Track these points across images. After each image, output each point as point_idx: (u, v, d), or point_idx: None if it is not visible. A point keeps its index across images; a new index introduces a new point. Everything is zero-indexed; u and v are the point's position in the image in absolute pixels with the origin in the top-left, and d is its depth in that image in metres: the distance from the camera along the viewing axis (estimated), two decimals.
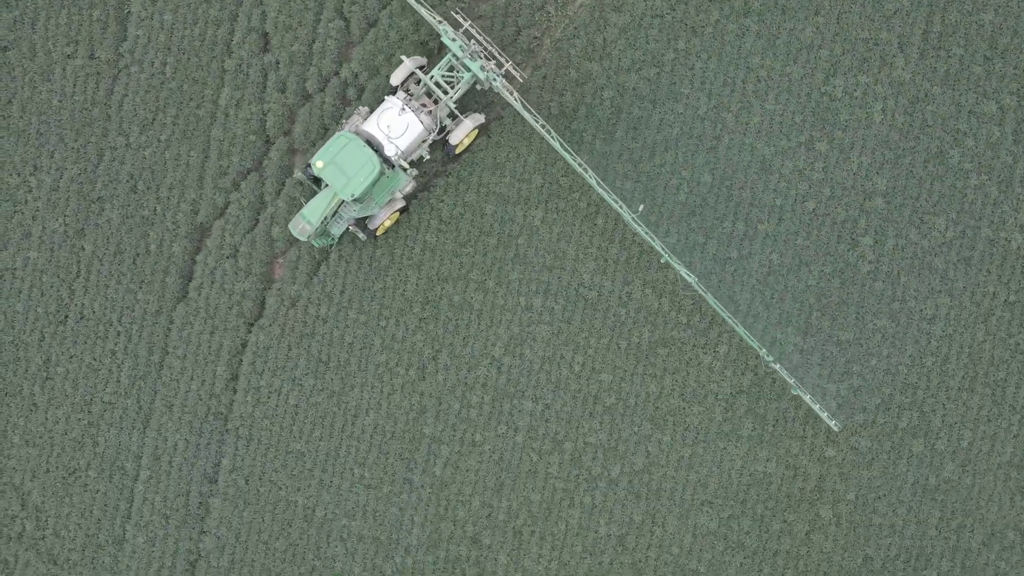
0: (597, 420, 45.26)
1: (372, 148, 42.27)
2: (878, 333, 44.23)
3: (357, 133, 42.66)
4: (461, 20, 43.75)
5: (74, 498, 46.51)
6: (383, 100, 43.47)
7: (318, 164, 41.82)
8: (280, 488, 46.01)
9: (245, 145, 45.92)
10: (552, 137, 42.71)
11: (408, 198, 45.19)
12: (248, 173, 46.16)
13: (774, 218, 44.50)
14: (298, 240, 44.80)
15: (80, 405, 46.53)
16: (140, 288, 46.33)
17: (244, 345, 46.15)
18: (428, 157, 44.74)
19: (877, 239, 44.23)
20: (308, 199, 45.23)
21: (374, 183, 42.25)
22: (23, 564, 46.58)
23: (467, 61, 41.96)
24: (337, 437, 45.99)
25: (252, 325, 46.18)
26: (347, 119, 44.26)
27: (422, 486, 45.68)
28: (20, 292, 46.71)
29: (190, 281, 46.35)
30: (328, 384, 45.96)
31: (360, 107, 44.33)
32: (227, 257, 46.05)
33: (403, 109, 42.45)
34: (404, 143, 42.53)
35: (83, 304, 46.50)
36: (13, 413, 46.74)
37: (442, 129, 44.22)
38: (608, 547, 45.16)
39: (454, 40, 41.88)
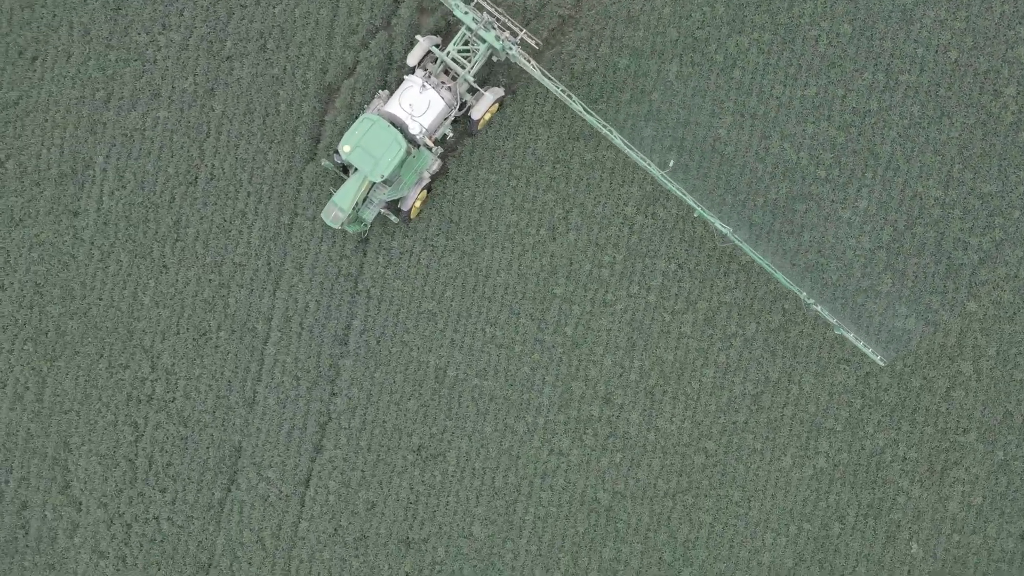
0: (732, 278, 44.85)
1: (396, 128, 42.31)
2: (1021, 184, 43.53)
3: (380, 115, 42.73)
4: None
5: (205, 359, 46.55)
6: (402, 80, 43.54)
7: (345, 149, 41.84)
8: (411, 348, 45.89)
9: (374, 2, 45.49)
10: (573, 101, 42.51)
11: (434, 176, 45.12)
12: (377, 31, 45.77)
13: (915, 69, 43.78)
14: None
15: (211, 266, 46.49)
16: (270, 148, 46.14)
17: None
18: (451, 135, 44.73)
19: (1020, 89, 43.46)
20: (337, 187, 45.19)
21: (402, 163, 42.42)
22: (153, 426, 46.70)
23: (481, 32, 41.93)
24: (468, 297, 45.78)
25: None
26: (369, 107, 44.28)
27: (553, 346, 45.45)
28: (150, 153, 46.61)
29: (319, 141, 46.11)
30: (459, 244, 45.70)
31: (380, 91, 44.49)
32: (356, 117, 45.72)
33: (423, 87, 42.58)
34: (427, 120, 42.74)
35: (213, 164, 46.37)
36: (143, 275, 46.73)
37: (463, 105, 44.29)
38: (743, 406, 44.86)
39: (467, 13, 41.84)
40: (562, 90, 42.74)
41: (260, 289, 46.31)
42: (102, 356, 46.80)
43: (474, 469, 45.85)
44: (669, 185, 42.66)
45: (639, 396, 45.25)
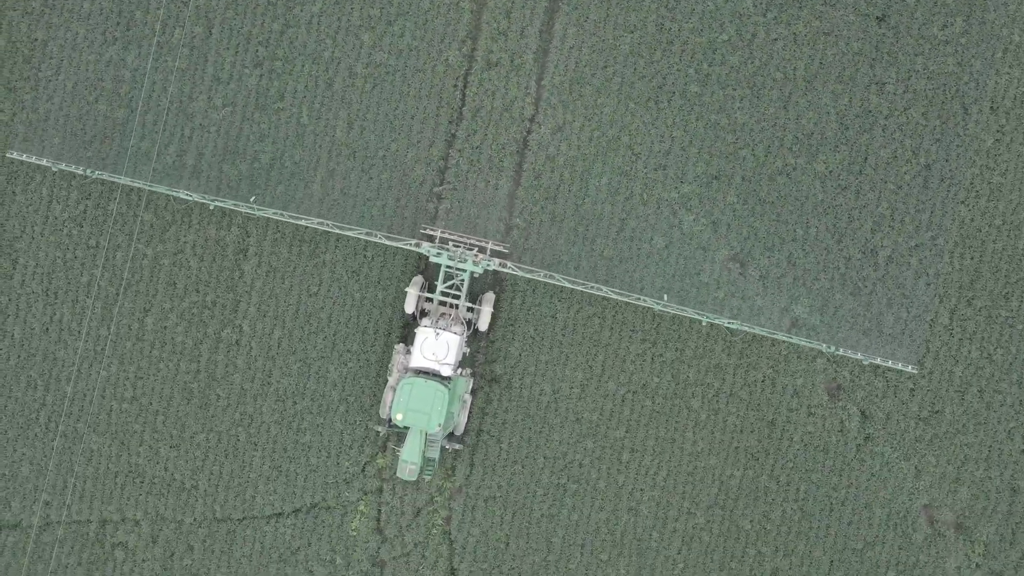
0: None
1: (431, 377, 45.14)
2: None
3: (407, 369, 45.95)
4: (432, 232, 47.44)
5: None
6: (414, 333, 46.62)
7: (398, 417, 44.60)
8: None
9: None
10: (558, 279, 46.36)
11: (473, 392, 48.32)
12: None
13: None
14: None
15: None
16: None
17: None
18: (468, 350, 47.91)
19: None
20: (396, 443, 48.23)
21: (449, 405, 45.21)
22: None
23: (459, 265, 46.34)
24: None
25: None
26: (392, 364, 47.16)
27: None
28: None
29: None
30: None
31: (397, 344, 47.73)
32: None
33: (437, 333, 45.69)
34: (452, 358, 45.65)
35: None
36: None
37: (468, 323, 47.79)
38: None
39: (439, 254, 46.31)
40: (545, 275, 46.36)
41: None
42: None
43: None
44: (672, 310, 46.09)
45: None
